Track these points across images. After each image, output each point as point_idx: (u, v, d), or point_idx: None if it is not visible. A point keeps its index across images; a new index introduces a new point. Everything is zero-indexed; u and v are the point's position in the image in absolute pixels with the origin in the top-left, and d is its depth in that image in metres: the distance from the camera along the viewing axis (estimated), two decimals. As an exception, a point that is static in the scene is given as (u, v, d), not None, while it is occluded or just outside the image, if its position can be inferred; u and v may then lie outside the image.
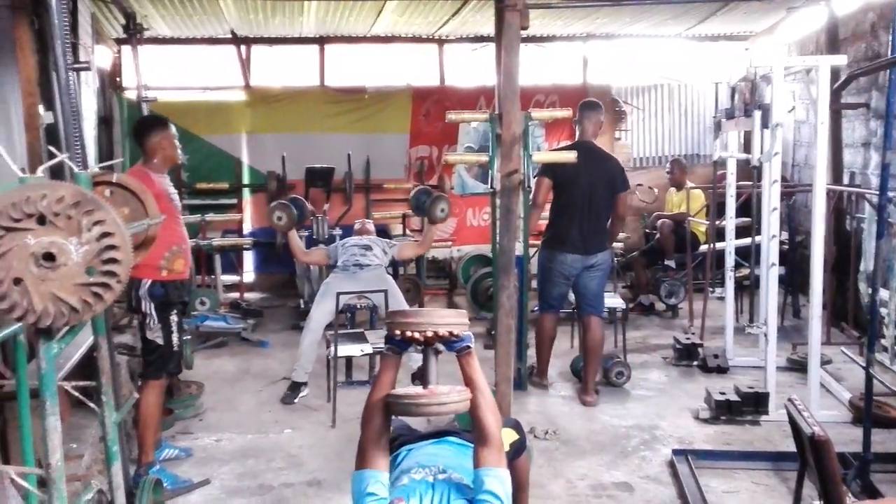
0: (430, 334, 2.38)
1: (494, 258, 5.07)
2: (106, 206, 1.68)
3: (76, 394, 2.32)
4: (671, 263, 7.43)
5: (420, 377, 5.22)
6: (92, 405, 2.41)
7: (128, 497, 2.64)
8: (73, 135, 2.64)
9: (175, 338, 4.02)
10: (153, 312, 3.92)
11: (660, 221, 7.69)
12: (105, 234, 1.68)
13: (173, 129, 4.18)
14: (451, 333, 2.40)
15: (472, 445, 2.49)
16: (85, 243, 1.67)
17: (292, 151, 8.01)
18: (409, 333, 2.38)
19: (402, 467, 2.52)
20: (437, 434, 2.78)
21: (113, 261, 1.69)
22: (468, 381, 2.42)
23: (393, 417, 2.88)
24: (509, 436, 2.85)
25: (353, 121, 8.63)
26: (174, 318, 4.00)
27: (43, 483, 2.11)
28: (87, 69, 2.80)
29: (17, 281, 1.66)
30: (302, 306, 7.27)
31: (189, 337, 5.28)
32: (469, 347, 2.46)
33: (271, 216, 5.45)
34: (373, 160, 8.47)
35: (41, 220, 1.66)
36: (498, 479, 2.26)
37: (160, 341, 3.96)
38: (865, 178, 6.66)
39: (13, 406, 3.37)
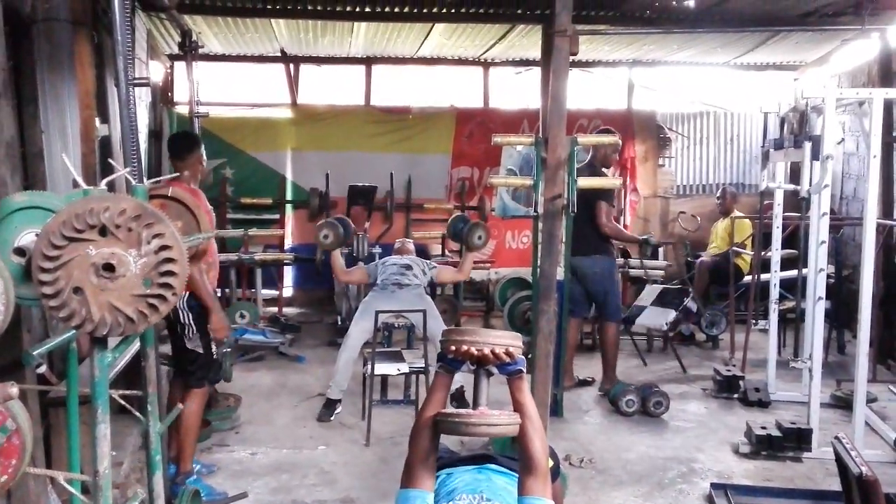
0: (486, 352, 2.36)
1: (535, 282, 5.06)
2: (165, 219, 1.73)
3: (122, 402, 2.37)
4: (691, 305, 7.26)
5: (459, 398, 5.24)
6: (137, 414, 2.46)
7: (167, 506, 2.68)
8: (130, 149, 2.71)
9: (214, 347, 4.12)
10: (192, 323, 4.01)
11: (699, 260, 7.71)
12: (163, 248, 1.73)
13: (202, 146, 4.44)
14: (507, 353, 2.38)
15: (514, 474, 2.48)
16: (144, 255, 1.72)
17: (336, 169, 8.11)
18: (464, 349, 2.37)
19: (443, 491, 2.50)
20: (477, 458, 2.77)
21: (170, 273, 1.73)
22: (518, 406, 2.41)
23: None
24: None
25: (396, 140, 8.73)
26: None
27: (85, 490, 2.16)
28: (147, 85, 2.90)
29: (77, 290, 1.72)
30: (339, 323, 7.33)
31: (229, 350, 5.36)
32: (521, 371, 2.45)
33: (318, 234, 5.51)
34: (414, 180, 8.54)
35: (102, 231, 1.72)
36: None
37: (200, 350, 4.05)
38: (917, 213, 6.54)
39: (58, 412, 3.46)
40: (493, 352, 2.36)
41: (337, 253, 5.62)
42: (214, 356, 4.12)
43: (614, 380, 5.77)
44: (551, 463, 2.92)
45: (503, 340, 2.39)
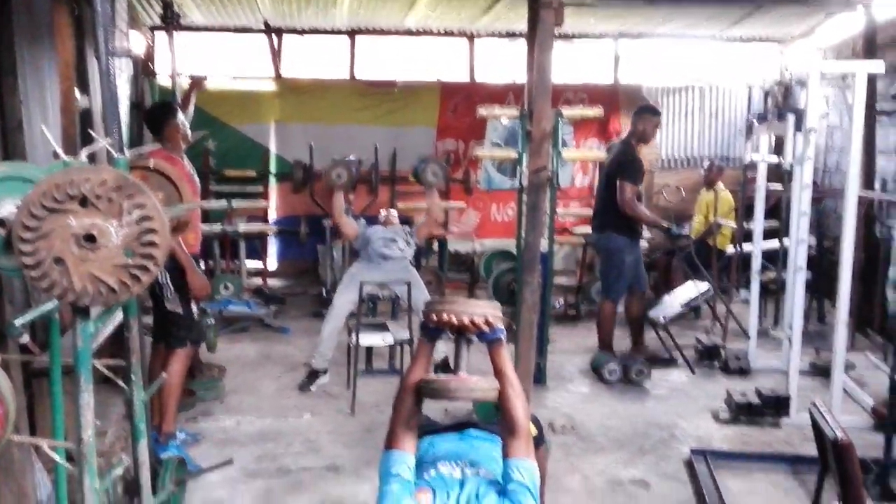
0: (466, 321, 2.42)
1: (519, 254, 5.10)
2: (146, 190, 1.74)
3: (106, 371, 2.39)
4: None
5: (444, 367, 5.29)
6: (121, 383, 2.47)
7: (151, 474, 2.70)
8: (111, 120, 2.69)
9: (194, 307, 4.19)
10: (169, 283, 4.08)
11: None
12: (144, 218, 1.74)
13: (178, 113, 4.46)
14: (486, 321, 2.44)
15: (496, 438, 2.52)
16: (125, 226, 1.73)
17: (320, 142, 8.06)
18: (445, 318, 2.43)
19: (427, 458, 2.55)
20: (459, 426, 2.82)
21: (151, 244, 1.74)
22: (498, 373, 2.47)
23: None
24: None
25: (381, 114, 8.69)
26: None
27: (70, 458, 2.18)
28: (129, 56, 2.87)
29: (58, 260, 1.72)
30: (324, 294, 7.35)
31: (213, 321, 5.38)
32: (501, 340, 2.50)
33: (330, 173, 5.51)
34: (399, 153, 8.49)
35: (83, 202, 1.72)
36: (527, 470, 2.30)
37: (180, 310, 4.13)
38: (897, 185, 6.61)
39: (41, 382, 3.47)
40: (472, 321, 2.43)
41: (341, 194, 5.64)
42: (195, 317, 4.20)
43: (643, 351, 5.89)
44: (535, 430, 2.97)
45: (483, 310, 2.46)
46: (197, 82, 5.72)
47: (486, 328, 2.45)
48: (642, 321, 5.92)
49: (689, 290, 6.10)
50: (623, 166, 5.62)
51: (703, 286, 5.84)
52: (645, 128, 5.72)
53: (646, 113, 5.81)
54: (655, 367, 5.64)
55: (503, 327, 2.52)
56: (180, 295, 4.12)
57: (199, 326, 4.35)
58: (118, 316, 3.82)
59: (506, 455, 2.36)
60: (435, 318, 2.47)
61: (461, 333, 2.50)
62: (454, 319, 2.43)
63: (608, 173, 5.76)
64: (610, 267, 5.80)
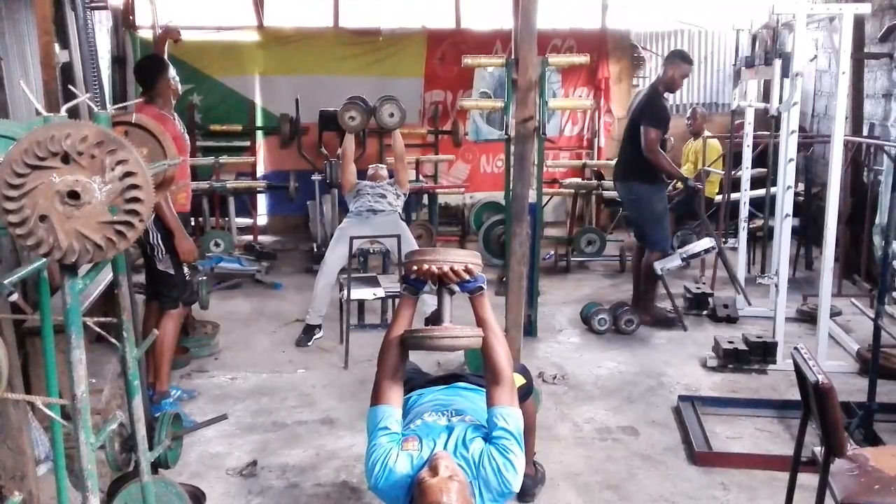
0: (445, 269, 2.44)
1: (508, 205, 5.10)
2: (129, 145, 1.72)
3: (98, 329, 2.39)
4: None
5: (434, 320, 5.32)
6: (113, 340, 2.49)
7: (147, 430, 2.74)
8: (91, 75, 2.66)
9: (185, 267, 4.17)
10: (160, 243, 4.06)
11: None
12: (128, 174, 1.72)
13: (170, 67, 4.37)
14: (466, 269, 2.46)
15: (483, 388, 2.56)
16: (108, 182, 1.71)
17: (306, 94, 7.97)
18: (424, 267, 2.45)
19: (415, 410, 2.59)
20: (448, 378, 2.86)
21: (135, 199, 1.73)
22: (480, 322, 2.49)
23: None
24: (517, 380, 2.92)
25: (366, 63, 8.58)
26: None
27: (66, 416, 2.20)
28: (104, 8, 2.82)
29: (43, 218, 1.71)
30: (315, 250, 7.35)
31: (205, 278, 5.38)
32: (482, 288, 2.52)
33: (343, 116, 5.44)
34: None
35: (65, 158, 1.70)
36: (511, 417, 2.34)
37: (171, 271, 4.12)
38: (885, 130, 6.60)
39: (34, 341, 3.48)
40: (452, 269, 2.45)
41: (353, 137, 5.59)
42: (186, 276, 4.19)
43: (650, 310, 5.69)
44: (524, 381, 3.02)
45: (462, 258, 2.48)
46: (169, 32, 5.59)
47: (466, 276, 2.47)
48: (654, 279, 5.71)
49: (696, 245, 5.92)
50: (647, 111, 5.47)
51: (710, 242, 5.75)
52: (674, 74, 5.50)
53: (677, 59, 5.57)
54: (659, 327, 5.60)
55: (483, 276, 2.54)
56: (171, 255, 4.10)
57: (191, 286, 4.34)
58: (108, 274, 3.84)
59: (490, 403, 2.39)
60: (415, 268, 2.49)
61: (443, 283, 2.52)
62: (434, 269, 2.45)
63: (632, 119, 5.59)
64: (643, 218, 5.66)
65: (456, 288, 2.54)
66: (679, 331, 5.56)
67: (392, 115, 5.61)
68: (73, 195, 1.70)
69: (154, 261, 4.13)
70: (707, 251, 5.76)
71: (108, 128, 1.84)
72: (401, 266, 5.24)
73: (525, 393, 3.02)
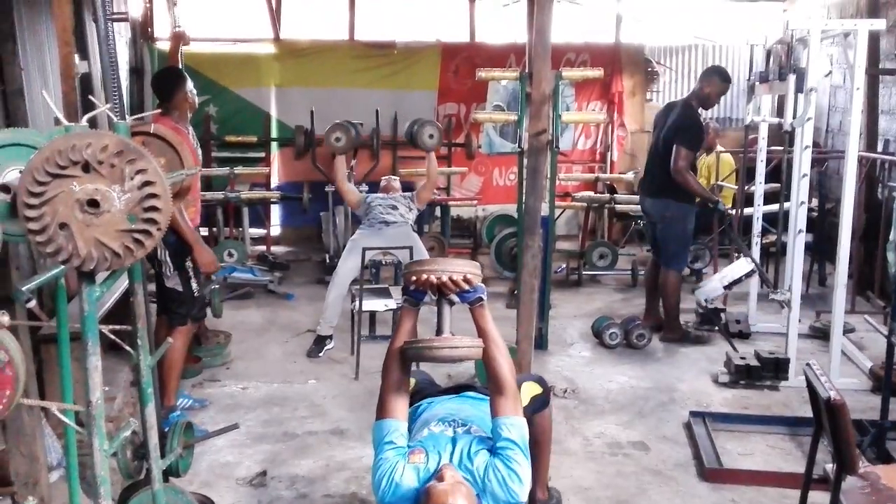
0: (445, 279, 2.44)
1: (520, 218, 5.11)
2: (148, 155, 1.75)
3: (112, 337, 2.42)
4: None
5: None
6: (127, 348, 2.51)
7: (160, 437, 2.76)
8: (111, 85, 2.70)
9: (194, 283, 4.14)
10: (168, 259, 4.05)
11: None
12: (146, 183, 1.76)
13: (188, 80, 4.33)
14: (465, 279, 2.46)
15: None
16: (127, 191, 1.75)
17: (320, 106, 8.03)
18: (423, 277, 2.45)
19: (422, 419, 2.59)
20: (457, 389, 2.86)
21: (153, 209, 1.76)
22: (481, 332, 2.50)
23: (417, 370, 2.97)
24: (532, 389, 2.91)
25: (381, 76, 8.64)
26: (189, 264, 4.11)
27: (78, 423, 2.23)
28: (125, 20, 2.87)
29: (63, 226, 1.75)
30: (327, 261, 7.38)
31: (217, 286, 5.41)
32: (482, 299, 2.53)
33: (329, 137, 5.45)
34: (400, 116, 8.46)
35: (86, 167, 1.74)
36: (515, 427, 2.34)
37: (180, 288, 4.09)
38: (900, 147, 6.58)
39: (49, 348, 3.52)
40: (451, 279, 2.45)
41: (342, 158, 5.59)
42: (195, 293, 4.14)
43: (677, 329, 5.63)
44: (540, 390, 2.99)
45: (461, 268, 2.48)
46: (179, 35, 5.57)
47: (465, 286, 2.46)
48: (678, 297, 5.66)
49: (735, 269, 5.72)
50: (682, 130, 5.38)
51: (749, 264, 5.63)
52: (710, 91, 5.45)
53: (714, 76, 5.50)
54: (686, 344, 5.55)
55: (483, 287, 2.54)
56: (180, 272, 4.07)
57: (200, 302, 4.28)
58: (121, 283, 3.87)
59: (494, 413, 2.39)
60: (414, 279, 2.49)
61: (442, 294, 2.51)
62: (433, 278, 2.45)
63: (666, 136, 5.48)
64: (672, 236, 5.59)
65: (456, 298, 2.54)
66: (691, 346, 5.54)
67: (431, 136, 5.68)
68: (93, 203, 1.74)
69: (162, 278, 4.11)
70: (748, 275, 5.54)
71: (127, 138, 1.87)
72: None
73: (542, 403, 2.99)
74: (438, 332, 2.51)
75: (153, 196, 1.77)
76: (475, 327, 2.54)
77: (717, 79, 5.47)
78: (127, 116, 2.87)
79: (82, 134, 1.77)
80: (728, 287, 5.58)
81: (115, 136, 1.77)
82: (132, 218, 1.77)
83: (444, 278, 2.45)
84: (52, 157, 1.72)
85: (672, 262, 5.64)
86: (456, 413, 2.55)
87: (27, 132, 1.97)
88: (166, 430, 3.40)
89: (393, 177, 6.30)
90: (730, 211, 5.85)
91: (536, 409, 2.93)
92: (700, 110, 5.57)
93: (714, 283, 5.61)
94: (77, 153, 1.72)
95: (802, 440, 3.95)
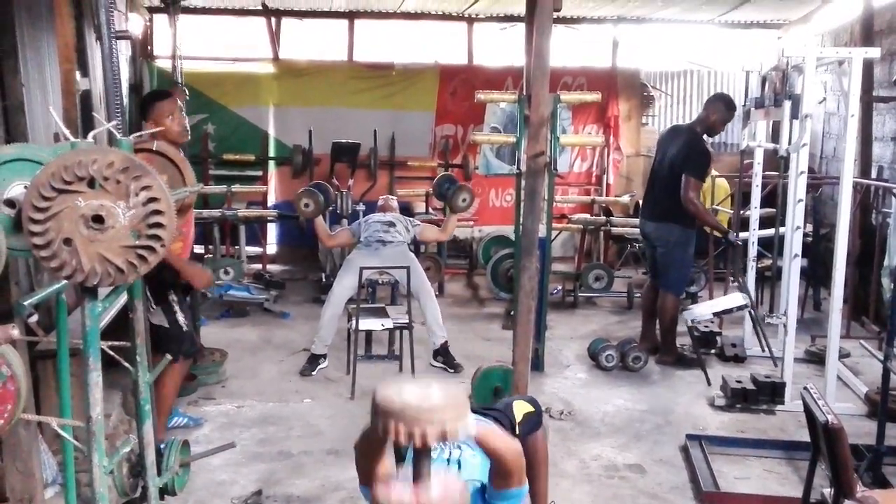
0: (417, 441, 1.76)
1: (517, 239, 5.13)
2: (153, 172, 1.76)
3: (111, 353, 2.42)
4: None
5: (445, 353, 5.32)
6: (126, 364, 2.51)
7: (156, 455, 2.75)
8: (114, 103, 2.72)
9: (180, 318, 3.89)
10: (149, 295, 3.73)
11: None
12: (151, 200, 1.77)
13: (177, 103, 3.98)
14: (442, 434, 1.75)
15: (487, 420, 2.52)
16: (132, 207, 1.76)
17: (318, 126, 8.09)
18: (393, 434, 1.76)
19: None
20: None
21: (158, 225, 1.77)
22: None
23: None
24: (523, 407, 2.85)
25: (379, 97, 8.70)
26: (173, 297, 3.88)
27: (76, 438, 2.22)
28: (129, 38, 2.89)
29: (67, 241, 1.75)
30: (323, 280, 7.38)
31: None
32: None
33: (298, 203, 5.45)
34: (398, 137, 8.53)
35: (91, 183, 1.75)
36: (515, 498, 2.14)
37: (165, 324, 3.84)
38: (894, 173, 6.64)
39: (46, 364, 3.51)
40: (423, 440, 1.75)
41: (320, 219, 5.62)
42: (184, 327, 3.90)
43: (672, 353, 5.66)
44: (532, 409, 2.95)
45: (441, 414, 1.76)
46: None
47: (442, 442, 1.81)
48: (676, 320, 5.68)
49: (729, 300, 5.73)
50: (691, 159, 5.39)
51: (742, 298, 5.55)
52: (715, 119, 5.50)
53: (719, 103, 5.55)
54: (680, 367, 5.56)
55: (470, 431, 1.86)
56: (164, 307, 3.84)
57: (189, 337, 4.00)
58: (118, 300, 3.82)
59: (495, 485, 2.12)
60: (382, 431, 1.78)
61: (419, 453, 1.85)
62: (402, 437, 1.76)
63: (673, 162, 5.49)
64: (672, 261, 5.61)
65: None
66: (687, 369, 5.54)
67: (465, 200, 5.71)
68: (98, 219, 1.75)
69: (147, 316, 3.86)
70: (740, 308, 5.53)
71: (132, 154, 1.89)
72: (410, 297, 5.26)
73: (535, 424, 2.96)
74: (415, 479, 1.84)
75: (158, 213, 1.78)
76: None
77: (722, 106, 5.53)
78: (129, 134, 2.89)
79: (88, 150, 1.78)
80: (717, 315, 5.62)
81: (121, 153, 1.79)
82: (135, 234, 1.78)
83: (418, 441, 1.75)
84: (58, 172, 1.73)
85: (672, 286, 5.66)
86: (451, 455, 2.34)
87: (33, 147, 1.98)
88: (162, 448, 3.38)
89: (390, 196, 6.33)
90: (739, 242, 5.75)
91: (530, 430, 2.89)
92: (705, 137, 5.60)
93: (704, 308, 5.64)
94: (83, 169, 1.73)
95: (799, 464, 3.95)
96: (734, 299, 5.62)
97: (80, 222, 1.74)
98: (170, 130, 3.78)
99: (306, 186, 5.76)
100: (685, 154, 5.44)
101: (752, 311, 5.67)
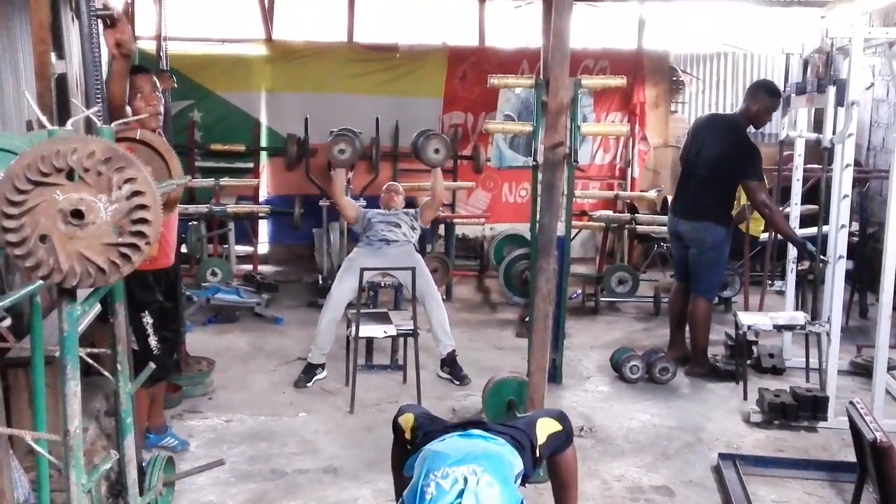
0: None
1: (533, 238, 5.13)
2: (138, 163, 1.77)
3: (90, 360, 2.43)
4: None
5: (452, 364, 5.33)
6: (106, 373, 2.52)
7: (138, 473, 2.76)
8: (94, 87, 2.73)
9: (153, 341, 3.90)
10: None
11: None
12: (135, 193, 1.77)
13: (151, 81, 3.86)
14: None
15: (502, 440, 2.53)
16: (114, 202, 1.76)
17: (315, 113, 8.09)
18: None
19: (427, 465, 2.45)
20: (466, 425, 2.78)
21: (143, 221, 1.78)
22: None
23: (414, 405, 2.93)
24: (549, 427, 2.82)
25: (382, 82, 8.72)
26: (147, 319, 3.88)
27: (50, 454, 2.23)
28: (111, 16, 2.89)
29: (44, 238, 1.76)
30: (321, 282, 7.41)
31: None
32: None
33: (332, 149, 5.42)
34: (402, 126, 8.53)
35: (70, 175, 1.76)
36: None
37: (135, 346, 3.74)
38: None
39: (17, 373, 3.52)
40: None
41: (343, 171, 5.59)
42: (154, 352, 3.90)
43: (704, 363, 5.64)
44: (559, 428, 2.91)
45: None
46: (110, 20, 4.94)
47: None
48: (708, 328, 5.70)
49: (792, 317, 5.56)
50: (745, 163, 5.39)
51: (804, 317, 5.39)
52: (759, 109, 5.51)
53: (761, 91, 5.56)
54: (712, 379, 5.55)
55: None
56: (135, 327, 3.79)
57: (160, 361, 3.85)
58: (94, 308, 3.81)
59: None
60: None
61: None
62: None
63: (717, 160, 5.49)
64: (708, 262, 5.63)
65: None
66: (720, 382, 5.53)
67: (437, 150, 5.65)
68: (77, 214, 1.75)
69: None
70: (802, 327, 5.32)
71: (115, 144, 1.90)
72: (415, 302, 5.27)
73: (563, 442, 2.92)
74: None
75: (143, 207, 1.78)
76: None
77: (764, 94, 5.52)
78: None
79: (67, 139, 1.78)
80: (778, 328, 5.50)
81: (103, 142, 1.79)
82: (117, 230, 1.78)
83: None
84: (35, 163, 1.73)
85: (705, 290, 5.68)
86: (466, 457, 2.40)
87: (6, 136, 1.99)
88: (144, 465, 3.39)
89: (394, 183, 6.28)
90: (824, 259, 5.33)
91: (557, 449, 2.87)
92: (750, 129, 5.60)
93: (762, 318, 5.52)
94: (61, 159, 1.73)
95: (844, 486, 3.94)
96: (798, 317, 5.46)
97: (58, 217, 1.75)
98: (136, 112, 3.66)
99: (339, 130, 5.68)
100: (737, 159, 5.43)
101: (808, 336, 5.47)
